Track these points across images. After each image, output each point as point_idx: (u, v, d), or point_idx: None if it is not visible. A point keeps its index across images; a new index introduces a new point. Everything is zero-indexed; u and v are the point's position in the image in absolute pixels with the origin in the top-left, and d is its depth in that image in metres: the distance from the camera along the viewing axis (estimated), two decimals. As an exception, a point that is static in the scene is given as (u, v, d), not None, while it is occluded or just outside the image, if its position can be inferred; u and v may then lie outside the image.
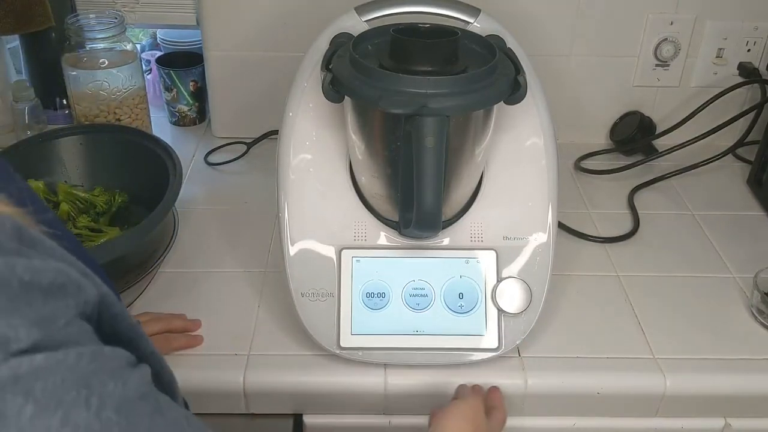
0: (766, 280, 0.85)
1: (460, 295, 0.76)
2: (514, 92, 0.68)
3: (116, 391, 0.33)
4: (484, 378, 0.75)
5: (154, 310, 0.82)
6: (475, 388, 0.74)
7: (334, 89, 0.68)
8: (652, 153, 1.14)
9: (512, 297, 0.76)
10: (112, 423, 0.32)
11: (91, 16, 1.05)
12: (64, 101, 1.15)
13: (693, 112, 1.11)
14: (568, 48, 1.13)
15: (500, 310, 0.76)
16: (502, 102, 0.69)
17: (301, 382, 0.76)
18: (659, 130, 1.16)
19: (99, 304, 0.36)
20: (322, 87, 0.68)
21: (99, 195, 0.94)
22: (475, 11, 0.79)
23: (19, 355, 0.29)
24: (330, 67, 0.70)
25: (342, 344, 0.75)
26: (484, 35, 0.75)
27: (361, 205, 0.78)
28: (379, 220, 0.78)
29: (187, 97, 1.22)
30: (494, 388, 0.74)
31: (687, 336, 0.82)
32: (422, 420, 0.75)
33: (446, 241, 0.78)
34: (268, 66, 1.13)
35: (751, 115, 1.11)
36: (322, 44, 0.77)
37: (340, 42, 0.75)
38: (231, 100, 1.17)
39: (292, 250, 0.76)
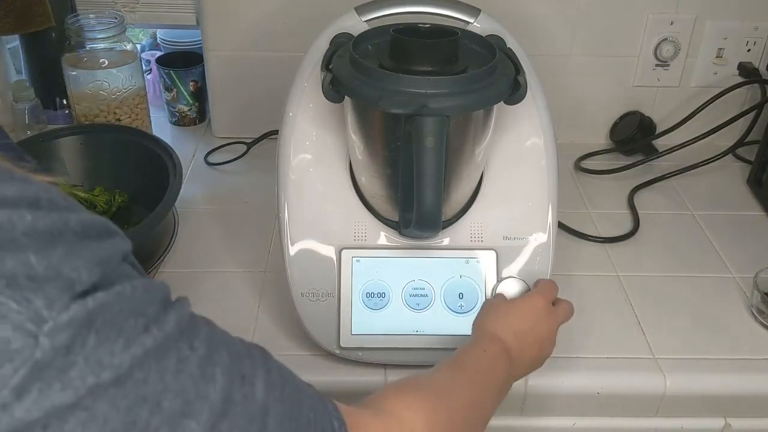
0: (766, 280, 0.85)
1: (460, 295, 0.76)
2: (514, 92, 0.68)
3: (169, 315, 0.37)
4: (484, 378, 0.75)
5: (154, 310, 0.82)
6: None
7: (334, 89, 0.68)
8: (652, 153, 1.14)
9: (512, 297, 0.76)
10: (175, 336, 0.36)
11: (91, 16, 1.06)
12: (64, 101, 1.15)
13: (693, 112, 1.11)
14: (568, 48, 1.13)
15: (500, 310, 0.76)
16: (502, 102, 0.69)
17: (301, 382, 0.76)
18: (659, 130, 1.17)
19: (131, 264, 0.39)
20: (322, 87, 0.68)
21: (99, 195, 0.94)
22: (475, 11, 0.79)
23: (84, 296, 0.32)
24: (330, 67, 0.70)
25: (342, 344, 0.75)
26: (484, 35, 0.75)
27: (361, 205, 0.78)
28: (379, 220, 0.78)
29: (187, 97, 1.22)
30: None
31: (687, 336, 0.82)
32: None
33: (446, 241, 0.78)
34: (268, 66, 1.13)
35: (751, 115, 1.11)
36: (322, 44, 0.77)
37: (340, 42, 0.75)
38: (231, 100, 1.17)
39: (292, 250, 0.76)
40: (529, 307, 0.68)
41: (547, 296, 0.70)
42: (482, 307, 0.70)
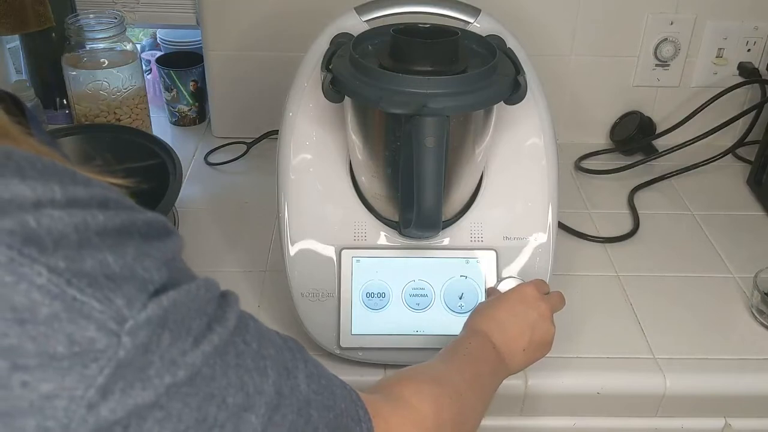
0: (766, 280, 0.85)
1: (460, 295, 0.76)
2: (514, 92, 0.68)
3: (227, 313, 0.38)
4: (484, 378, 0.75)
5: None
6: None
7: (335, 89, 0.68)
8: (652, 153, 1.14)
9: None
10: (232, 332, 0.37)
11: (91, 16, 1.06)
12: (64, 101, 1.15)
13: (693, 112, 1.11)
14: (568, 48, 1.13)
15: (500, 310, 0.76)
16: (502, 102, 0.69)
17: (301, 382, 0.76)
18: (659, 130, 1.17)
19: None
20: (322, 87, 0.68)
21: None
22: (475, 11, 0.79)
23: (156, 295, 0.33)
24: (330, 67, 0.70)
25: (342, 344, 0.75)
26: (484, 35, 0.75)
27: (361, 205, 0.78)
28: (379, 220, 0.78)
29: (187, 97, 1.22)
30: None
31: (687, 336, 0.82)
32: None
33: (446, 241, 0.78)
34: (268, 66, 1.13)
35: (751, 115, 1.11)
36: (322, 44, 0.77)
37: (340, 42, 0.75)
38: (231, 100, 1.17)
39: (292, 250, 0.76)
40: (515, 296, 0.69)
41: (537, 286, 0.70)
42: (475, 307, 0.71)
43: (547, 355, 0.78)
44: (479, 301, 0.76)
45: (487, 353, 0.63)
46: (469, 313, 0.75)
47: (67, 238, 0.30)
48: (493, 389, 0.62)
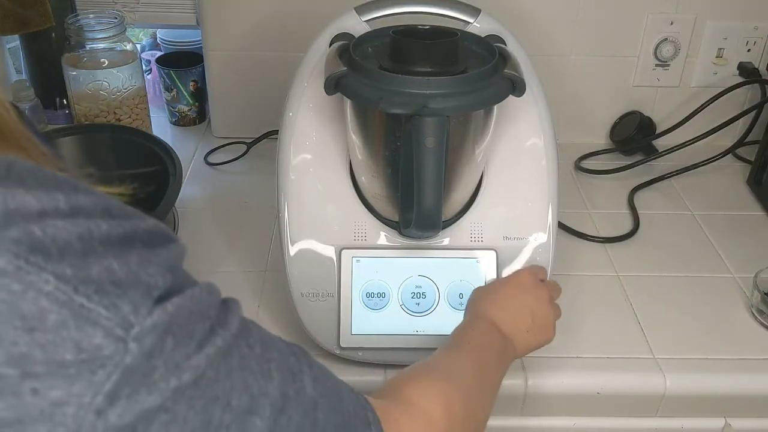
0: (766, 280, 0.85)
1: (460, 295, 0.76)
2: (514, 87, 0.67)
3: (229, 318, 0.38)
4: (484, 378, 0.75)
5: (154, 310, 0.82)
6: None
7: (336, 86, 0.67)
8: (652, 153, 1.14)
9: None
10: (236, 335, 0.37)
11: (91, 16, 1.06)
12: (64, 101, 1.15)
13: (693, 112, 1.11)
14: (568, 48, 1.13)
15: (500, 310, 0.76)
16: (502, 102, 0.69)
17: (301, 382, 0.76)
18: (659, 130, 1.17)
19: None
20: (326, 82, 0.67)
21: (99, 195, 0.94)
22: (475, 11, 0.79)
23: (161, 300, 0.33)
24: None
25: (342, 344, 0.75)
26: (484, 35, 0.75)
27: (361, 205, 0.78)
28: (379, 220, 0.78)
29: (187, 97, 1.22)
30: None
31: (687, 336, 0.82)
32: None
33: (446, 241, 0.78)
34: (268, 66, 1.13)
35: (751, 115, 1.11)
36: (322, 44, 0.77)
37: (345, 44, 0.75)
38: (231, 100, 1.17)
39: (292, 250, 0.76)
40: (512, 280, 0.71)
41: (533, 272, 0.72)
42: (472, 292, 0.73)
43: (547, 355, 0.78)
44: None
45: (493, 338, 0.64)
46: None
47: (72, 247, 0.31)
48: (502, 375, 0.63)
